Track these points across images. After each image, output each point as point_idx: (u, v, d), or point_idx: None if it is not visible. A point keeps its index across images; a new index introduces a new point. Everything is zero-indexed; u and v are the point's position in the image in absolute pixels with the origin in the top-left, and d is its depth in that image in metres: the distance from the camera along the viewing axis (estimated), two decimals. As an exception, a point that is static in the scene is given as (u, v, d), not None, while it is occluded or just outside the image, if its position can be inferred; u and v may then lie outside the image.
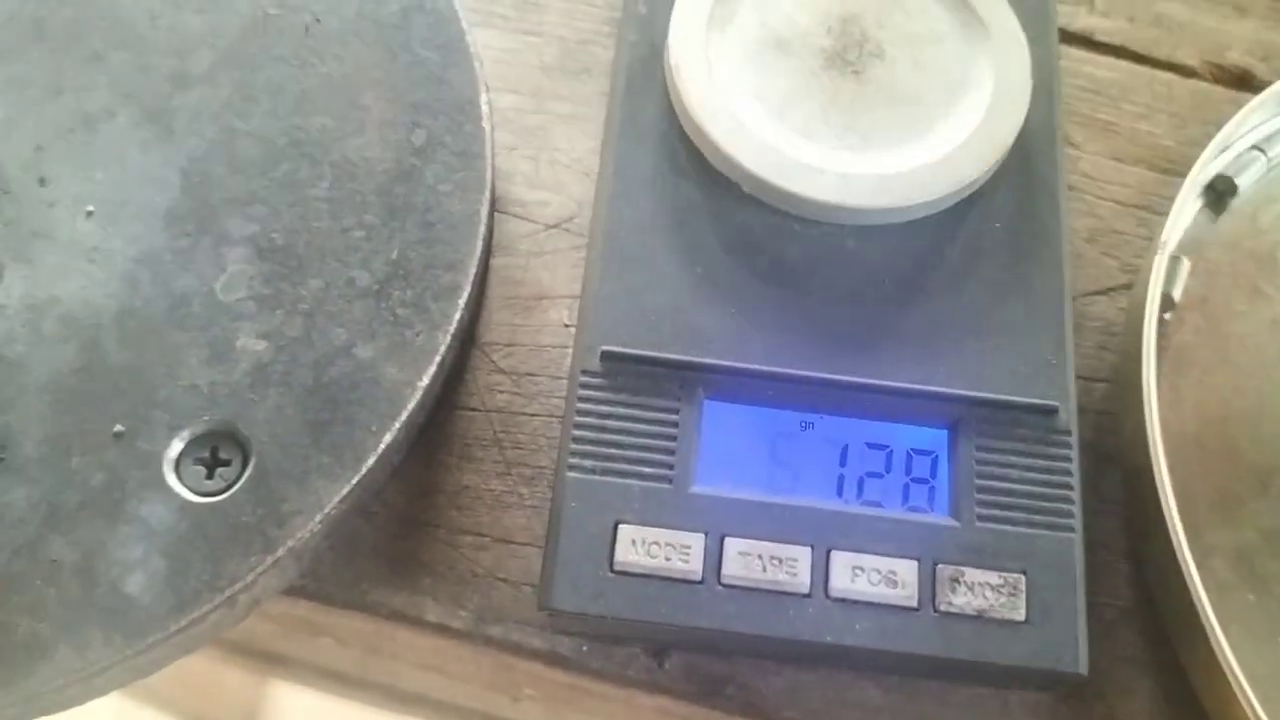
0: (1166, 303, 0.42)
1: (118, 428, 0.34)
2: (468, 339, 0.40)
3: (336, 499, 0.34)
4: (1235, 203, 0.45)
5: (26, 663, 0.31)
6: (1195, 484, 0.39)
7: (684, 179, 0.39)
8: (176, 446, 0.34)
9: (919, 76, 0.40)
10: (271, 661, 0.65)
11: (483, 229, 0.38)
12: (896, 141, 0.39)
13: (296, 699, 1.12)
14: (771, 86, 0.39)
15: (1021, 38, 0.41)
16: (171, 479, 0.34)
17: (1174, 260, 0.42)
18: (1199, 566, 0.37)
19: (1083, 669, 0.34)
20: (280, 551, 0.33)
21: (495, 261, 0.41)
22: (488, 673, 0.41)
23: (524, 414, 0.39)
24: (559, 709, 0.43)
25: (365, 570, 0.37)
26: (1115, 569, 0.39)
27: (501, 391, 0.39)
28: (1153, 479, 0.37)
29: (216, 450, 0.34)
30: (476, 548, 0.37)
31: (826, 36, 0.40)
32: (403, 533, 0.37)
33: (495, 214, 0.42)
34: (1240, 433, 0.41)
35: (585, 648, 0.36)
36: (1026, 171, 0.40)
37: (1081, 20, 0.48)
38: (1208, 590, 0.36)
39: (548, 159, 0.43)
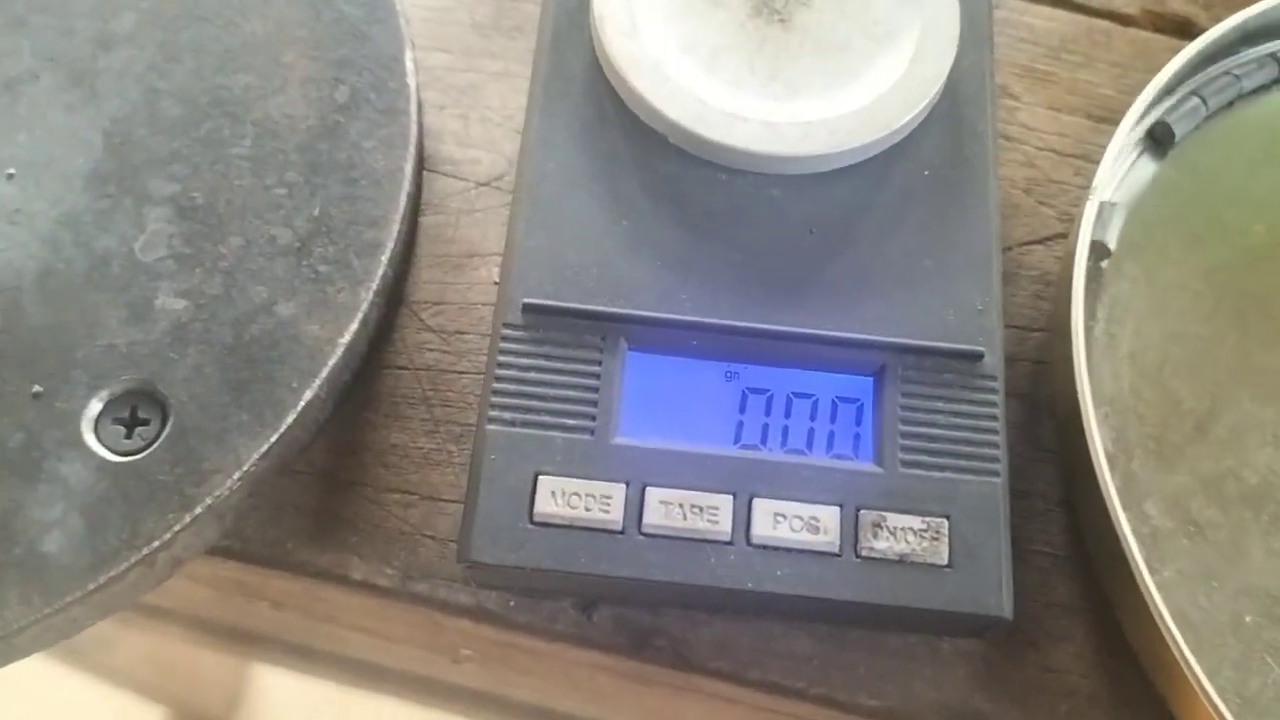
0: (1102, 251, 0.41)
1: (36, 388, 0.34)
2: (395, 298, 0.40)
3: (256, 456, 0.34)
4: (1174, 151, 0.44)
5: (-59, 622, 0.31)
6: (1131, 431, 0.39)
7: (609, 131, 0.39)
8: (95, 406, 0.34)
9: (847, 24, 0.40)
10: (238, 639, 0.65)
11: (407, 185, 0.38)
12: (823, 90, 0.39)
13: (279, 683, 1.12)
14: (697, 36, 0.39)
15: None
16: (90, 438, 0.34)
17: (1109, 207, 0.42)
18: (1134, 513, 0.37)
19: (1007, 613, 0.33)
20: (199, 509, 0.33)
21: (425, 220, 0.41)
22: (422, 633, 0.40)
23: (453, 372, 0.39)
24: (497, 669, 0.43)
25: (291, 529, 0.36)
26: (1050, 517, 0.39)
27: (430, 350, 0.39)
28: (1082, 424, 0.36)
29: (135, 409, 0.34)
30: (404, 505, 0.37)
31: (753, -15, 0.40)
32: (329, 491, 0.37)
33: (425, 172, 0.42)
34: (1177, 380, 0.40)
35: (512, 603, 0.36)
36: (956, 119, 0.40)
37: (1018, -32, 0.48)
38: (1142, 537, 0.36)
39: (479, 117, 0.43)
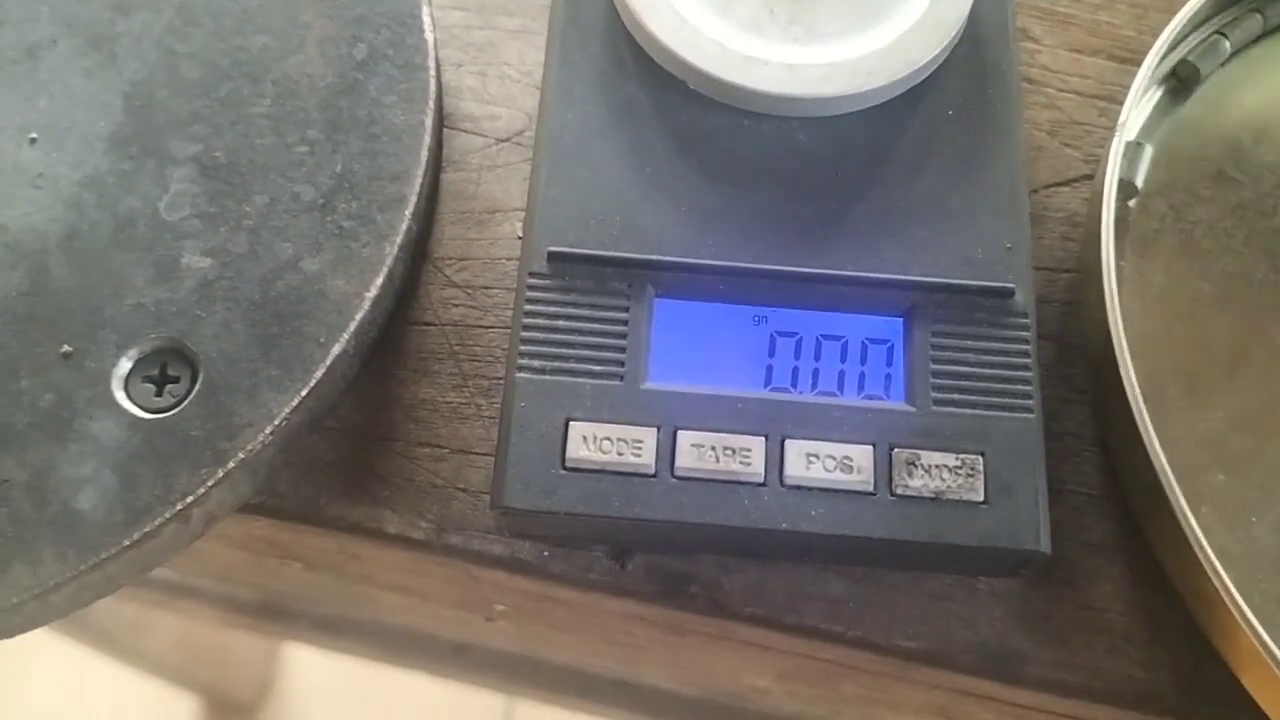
0: (1129, 190, 0.41)
1: (66, 348, 0.34)
2: (419, 254, 0.40)
3: (287, 410, 0.34)
4: (1199, 89, 0.44)
5: (-24, 582, 0.31)
6: (1163, 369, 0.39)
7: (628, 78, 0.39)
8: (125, 365, 0.34)
9: (866, -33, 0.39)
10: (268, 617, 0.65)
11: (428, 139, 0.38)
12: (843, 32, 0.38)
13: (308, 668, 1.13)
14: (715, -17, 0.39)
15: (970, -75, 0.40)
16: (120, 396, 0.34)
17: (1136, 146, 0.41)
18: (1167, 449, 0.36)
19: (1045, 547, 0.33)
20: (231, 464, 0.33)
21: (446, 177, 0.41)
22: (456, 588, 0.40)
23: (479, 326, 0.39)
24: (532, 625, 0.43)
25: (323, 485, 0.36)
26: (1084, 457, 0.38)
27: (456, 305, 0.39)
28: (1116, 364, 0.36)
29: (165, 367, 0.34)
30: (435, 459, 0.37)
31: (770, -70, 0.40)
32: (360, 447, 0.37)
33: (445, 130, 0.42)
34: (1208, 317, 0.40)
35: (546, 553, 0.36)
36: (979, 60, 0.40)
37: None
38: (1176, 473, 0.35)
39: (496, 74, 0.43)
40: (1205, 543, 0.34)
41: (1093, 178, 0.43)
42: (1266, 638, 0.33)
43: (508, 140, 0.42)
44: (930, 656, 0.36)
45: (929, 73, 0.39)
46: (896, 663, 0.36)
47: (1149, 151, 0.42)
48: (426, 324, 0.39)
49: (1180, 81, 0.44)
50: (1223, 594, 0.34)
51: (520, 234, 0.40)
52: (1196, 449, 0.38)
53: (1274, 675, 0.33)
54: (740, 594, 0.36)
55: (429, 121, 0.38)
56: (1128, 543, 0.37)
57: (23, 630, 0.33)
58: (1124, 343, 0.36)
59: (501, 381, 0.38)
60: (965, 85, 0.39)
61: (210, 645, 1.02)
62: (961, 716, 0.41)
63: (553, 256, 0.36)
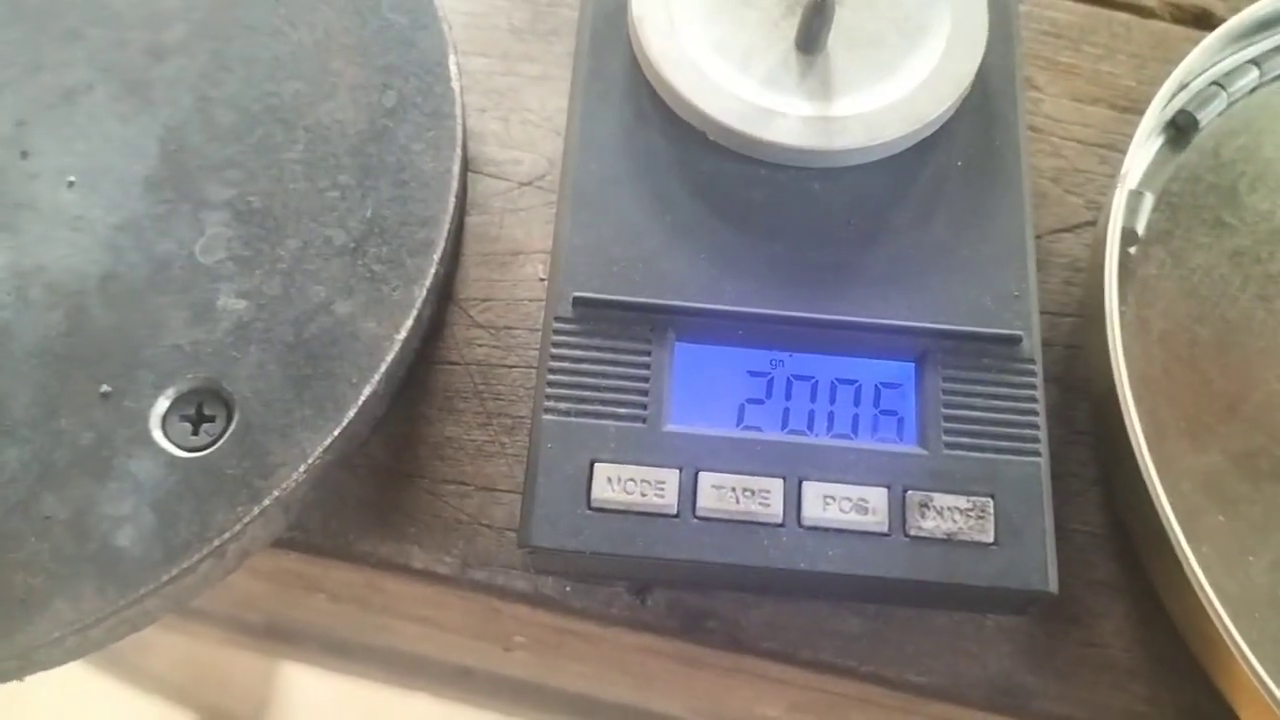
0: (1130, 237, 0.42)
1: (104, 388, 0.35)
2: (445, 295, 0.41)
3: (320, 449, 0.35)
4: (1197, 138, 0.45)
5: (23, 616, 0.32)
6: (1163, 412, 0.40)
7: (649, 129, 0.40)
8: (162, 404, 0.35)
9: (879, 21, 0.41)
10: (275, 638, 0.66)
11: (455, 185, 0.39)
12: (857, 85, 0.40)
13: (307, 686, 1.13)
14: (733, 36, 0.40)
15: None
16: (158, 435, 0.35)
17: (1136, 195, 0.43)
18: (1168, 490, 0.37)
19: (1052, 587, 0.34)
20: (267, 501, 0.34)
21: (470, 219, 0.42)
22: (477, 621, 0.41)
23: (503, 366, 0.40)
24: (549, 656, 0.44)
25: (352, 521, 0.37)
26: (1087, 496, 0.40)
27: (480, 345, 0.40)
28: (1119, 406, 0.37)
29: (201, 407, 0.35)
30: (460, 496, 0.38)
31: (786, -15, 0.41)
32: (388, 484, 0.38)
33: (469, 173, 0.43)
34: (1207, 361, 0.41)
35: (568, 588, 0.37)
36: (987, 111, 0.41)
37: (1042, -34, 0.49)
38: (1177, 513, 0.36)
39: (519, 119, 0.44)
40: (1205, 581, 0.35)
41: (1094, 224, 0.44)
42: (1264, 674, 0.34)
43: (529, 184, 0.43)
44: (940, 691, 0.37)
45: (940, 124, 0.40)
46: (907, 697, 0.37)
47: (1149, 200, 0.43)
48: (452, 363, 0.40)
49: (1179, 130, 0.45)
50: (1221, 632, 0.35)
51: (542, 276, 0.41)
52: (1196, 490, 0.39)
53: (1271, 711, 0.34)
54: (758, 630, 0.37)
55: (456, 168, 0.39)
56: (1129, 581, 0.39)
57: (61, 663, 0.34)
58: (1126, 386, 0.37)
59: (525, 419, 0.39)
60: (974, 136, 0.41)
61: (212, 664, 1.02)
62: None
63: (577, 302, 0.37)
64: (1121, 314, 0.41)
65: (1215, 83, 0.46)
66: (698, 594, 0.37)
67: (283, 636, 0.64)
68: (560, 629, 0.40)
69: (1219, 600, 0.35)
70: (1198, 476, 0.39)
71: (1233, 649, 0.34)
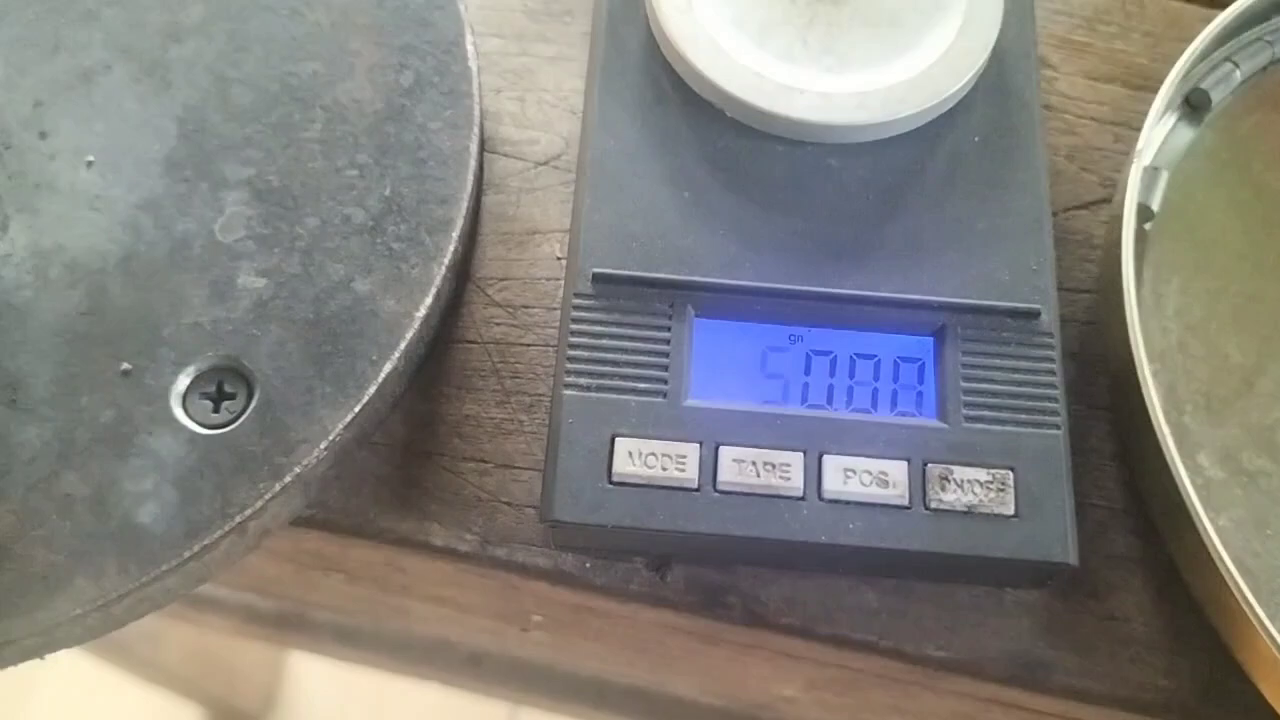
0: (1145, 213, 0.42)
1: (125, 366, 0.35)
2: (463, 274, 0.41)
3: (340, 426, 0.35)
4: (1211, 115, 0.45)
5: (45, 593, 0.32)
6: (1180, 386, 0.40)
7: (667, 106, 0.40)
8: (183, 382, 0.35)
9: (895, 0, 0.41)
10: (287, 627, 0.66)
11: (473, 164, 0.39)
12: (874, 62, 0.40)
13: (315, 679, 1.13)
14: (750, 13, 0.40)
15: (993, -41, 0.42)
16: (179, 413, 0.35)
17: (1151, 171, 0.43)
18: (1186, 464, 0.37)
19: (1073, 559, 0.35)
20: (288, 478, 0.34)
21: (487, 199, 0.42)
22: (496, 600, 0.42)
23: (520, 344, 0.40)
24: (567, 635, 0.44)
25: (372, 499, 0.38)
26: (1105, 471, 0.40)
27: (498, 324, 0.40)
28: (1138, 381, 0.37)
29: (222, 384, 0.35)
30: (479, 473, 0.38)
31: (802, -38, 0.41)
32: (407, 462, 0.38)
33: (485, 153, 0.43)
34: (1223, 335, 0.41)
35: (588, 564, 0.37)
36: (1003, 89, 0.41)
37: (1051, -57, 0.49)
38: (1195, 487, 0.36)
39: (534, 99, 0.44)
40: (1224, 554, 0.35)
41: (1110, 201, 0.44)
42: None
43: (546, 164, 0.43)
44: (959, 665, 0.37)
45: (956, 100, 0.40)
46: (926, 672, 0.37)
47: (1164, 176, 0.43)
48: (470, 342, 0.40)
49: (1193, 108, 0.45)
50: (1241, 604, 0.35)
51: (559, 255, 0.41)
52: (1214, 463, 0.39)
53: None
54: (776, 605, 0.37)
55: (473, 146, 0.39)
56: (1149, 554, 0.39)
57: (83, 640, 0.34)
58: (1145, 362, 0.37)
59: (543, 397, 0.39)
60: (991, 112, 0.41)
61: (221, 657, 1.03)
62: (987, 724, 0.42)
63: (597, 278, 0.37)
64: (1137, 289, 0.41)
65: (1229, 59, 0.46)
66: (716, 570, 0.37)
67: (294, 625, 0.64)
68: (579, 606, 0.40)
69: (1239, 573, 0.35)
70: (1216, 450, 0.39)
71: (1254, 621, 0.35)
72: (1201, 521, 0.36)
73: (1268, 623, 0.35)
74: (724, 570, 0.37)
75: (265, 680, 1.11)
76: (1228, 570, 0.35)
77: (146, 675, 0.93)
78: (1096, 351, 0.42)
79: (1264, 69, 0.47)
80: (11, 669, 0.33)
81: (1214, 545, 0.35)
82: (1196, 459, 0.39)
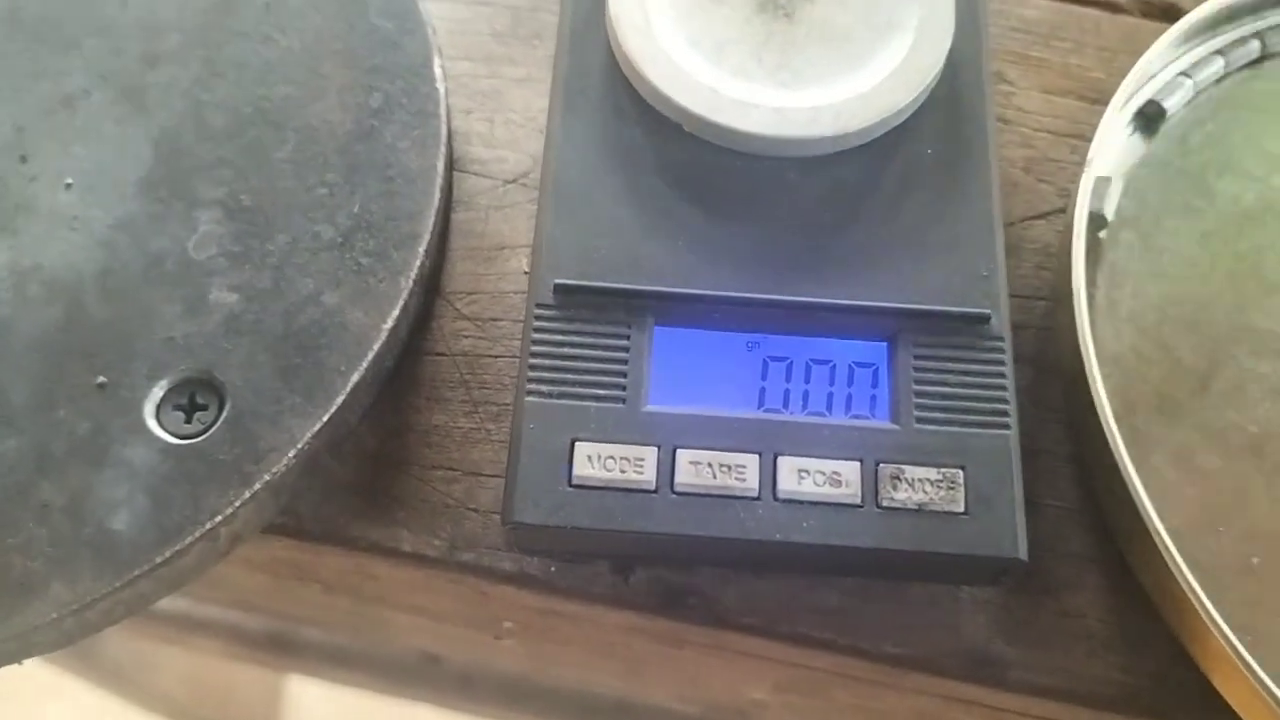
0: (1099, 221, 0.43)
1: (100, 379, 0.36)
2: (432, 289, 0.42)
3: (309, 435, 0.36)
4: (1165, 127, 0.46)
5: (22, 599, 0.33)
6: (1134, 389, 0.41)
7: (627, 123, 0.41)
8: (156, 394, 0.36)
9: (848, 16, 0.42)
10: (277, 649, 0.67)
11: (440, 181, 0.40)
12: (828, 77, 0.41)
13: (311, 702, 1.14)
14: (706, 32, 0.41)
15: (944, -26, 0.43)
16: (152, 424, 0.36)
17: (1104, 180, 0.44)
18: (1139, 465, 0.38)
19: (1022, 554, 0.35)
20: (257, 486, 0.35)
21: (456, 216, 0.43)
22: (467, 607, 0.42)
23: (488, 356, 0.41)
24: (538, 642, 0.45)
25: (343, 507, 0.39)
26: (1060, 473, 0.41)
27: (466, 336, 0.41)
28: (1088, 384, 0.38)
29: (194, 396, 0.36)
30: (447, 481, 0.39)
31: (758, -18, 0.42)
32: (377, 471, 0.39)
33: (455, 172, 0.44)
34: (1177, 339, 0.42)
35: (553, 568, 0.38)
36: (956, 101, 0.42)
37: (1012, -34, 0.50)
38: (1148, 487, 0.37)
39: (502, 119, 0.45)
40: (1176, 554, 0.36)
41: (1065, 210, 0.45)
42: (1237, 643, 0.35)
43: (514, 181, 0.44)
44: (917, 662, 0.38)
45: (909, 114, 0.41)
46: (886, 669, 0.38)
47: (1118, 185, 0.44)
48: (439, 354, 0.41)
49: (1147, 120, 0.46)
50: (1193, 601, 0.36)
51: (526, 269, 0.42)
52: (1167, 464, 0.40)
53: (1243, 677, 0.35)
54: (737, 605, 0.38)
55: (440, 165, 0.40)
56: (1103, 553, 0.40)
57: (59, 646, 0.35)
58: (1095, 364, 0.38)
59: (509, 407, 0.40)
60: (943, 125, 0.42)
61: (216, 682, 1.03)
62: (949, 723, 0.43)
63: (558, 289, 0.38)
64: (1091, 296, 0.42)
65: (1182, 73, 0.47)
66: (678, 572, 0.38)
67: (283, 646, 0.65)
68: (547, 611, 0.41)
69: (1190, 571, 0.36)
70: (1168, 451, 0.40)
71: (1205, 618, 0.35)
72: (1153, 523, 0.37)
73: (1219, 619, 0.35)
74: (685, 571, 0.38)
75: (262, 705, 1.11)
76: (1179, 569, 0.36)
77: (142, 701, 0.94)
78: (1051, 357, 0.43)
79: (1216, 81, 0.48)
80: (14, 702, 0.34)
81: (1165, 545, 0.36)
82: (1150, 459, 0.40)
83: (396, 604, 0.45)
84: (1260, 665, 0.35)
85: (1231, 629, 0.35)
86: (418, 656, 0.59)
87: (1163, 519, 0.37)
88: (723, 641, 0.40)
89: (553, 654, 0.46)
